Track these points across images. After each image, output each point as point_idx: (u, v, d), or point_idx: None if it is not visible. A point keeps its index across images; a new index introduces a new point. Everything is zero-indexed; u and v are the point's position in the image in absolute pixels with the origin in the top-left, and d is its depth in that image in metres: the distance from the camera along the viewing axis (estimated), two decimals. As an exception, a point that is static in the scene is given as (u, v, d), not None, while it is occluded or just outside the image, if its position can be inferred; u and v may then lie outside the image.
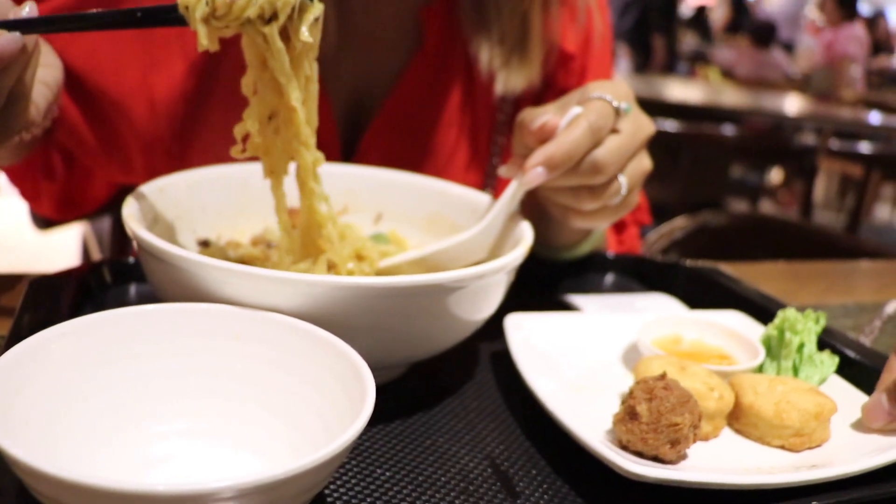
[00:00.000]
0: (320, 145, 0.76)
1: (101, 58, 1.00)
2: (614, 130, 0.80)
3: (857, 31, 7.09)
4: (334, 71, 1.05)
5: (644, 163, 0.85)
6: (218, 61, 1.01)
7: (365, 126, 1.12)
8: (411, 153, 1.13)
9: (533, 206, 0.89)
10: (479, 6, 1.08)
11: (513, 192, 0.82)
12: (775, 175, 6.50)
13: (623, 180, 0.82)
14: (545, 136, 0.79)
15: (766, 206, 6.03)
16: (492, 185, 1.19)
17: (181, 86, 1.02)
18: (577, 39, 1.17)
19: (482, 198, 0.92)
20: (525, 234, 0.80)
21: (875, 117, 5.19)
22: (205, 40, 0.67)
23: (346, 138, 1.12)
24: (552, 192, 0.84)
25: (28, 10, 0.66)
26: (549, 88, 1.17)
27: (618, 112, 0.80)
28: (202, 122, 1.05)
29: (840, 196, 6.53)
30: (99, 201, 1.19)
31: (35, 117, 0.74)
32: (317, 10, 0.69)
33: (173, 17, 0.67)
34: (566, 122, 0.79)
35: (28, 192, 1.14)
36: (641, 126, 0.83)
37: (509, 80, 1.09)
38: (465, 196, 0.94)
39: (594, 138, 0.78)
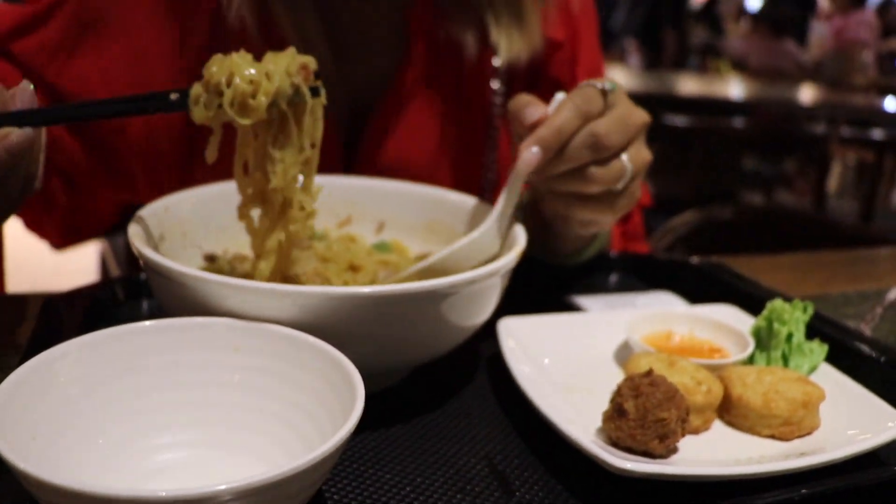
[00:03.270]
0: (323, 154, 0.78)
1: (92, 87, 1.02)
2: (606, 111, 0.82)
3: (868, 15, 7.04)
4: (330, 85, 1.07)
5: (644, 152, 0.86)
6: None
7: (362, 129, 1.13)
8: (410, 153, 1.14)
9: (536, 219, 0.90)
10: None
11: (512, 181, 0.84)
12: (791, 165, 6.45)
13: (626, 159, 0.83)
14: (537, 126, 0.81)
15: (783, 196, 5.99)
16: (490, 178, 1.20)
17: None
18: (565, 28, 1.18)
19: (480, 204, 0.94)
20: (519, 239, 0.81)
21: (889, 102, 5.14)
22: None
23: (346, 142, 1.13)
24: (556, 182, 0.84)
25: (23, 87, 0.71)
26: (541, 78, 1.18)
27: (603, 92, 0.82)
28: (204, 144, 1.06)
29: (857, 183, 6.47)
30: (106, 224, 1.19)
31: (36, 186, 0.79)
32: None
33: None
34: (553, 108, 0.82)
35: (30, 225, 1.14)
36: (634, 110, 0.85)
37: (511, 47, 1.10)
38: (463, 203, 0.95)
39: (583, 116, 0.80)
